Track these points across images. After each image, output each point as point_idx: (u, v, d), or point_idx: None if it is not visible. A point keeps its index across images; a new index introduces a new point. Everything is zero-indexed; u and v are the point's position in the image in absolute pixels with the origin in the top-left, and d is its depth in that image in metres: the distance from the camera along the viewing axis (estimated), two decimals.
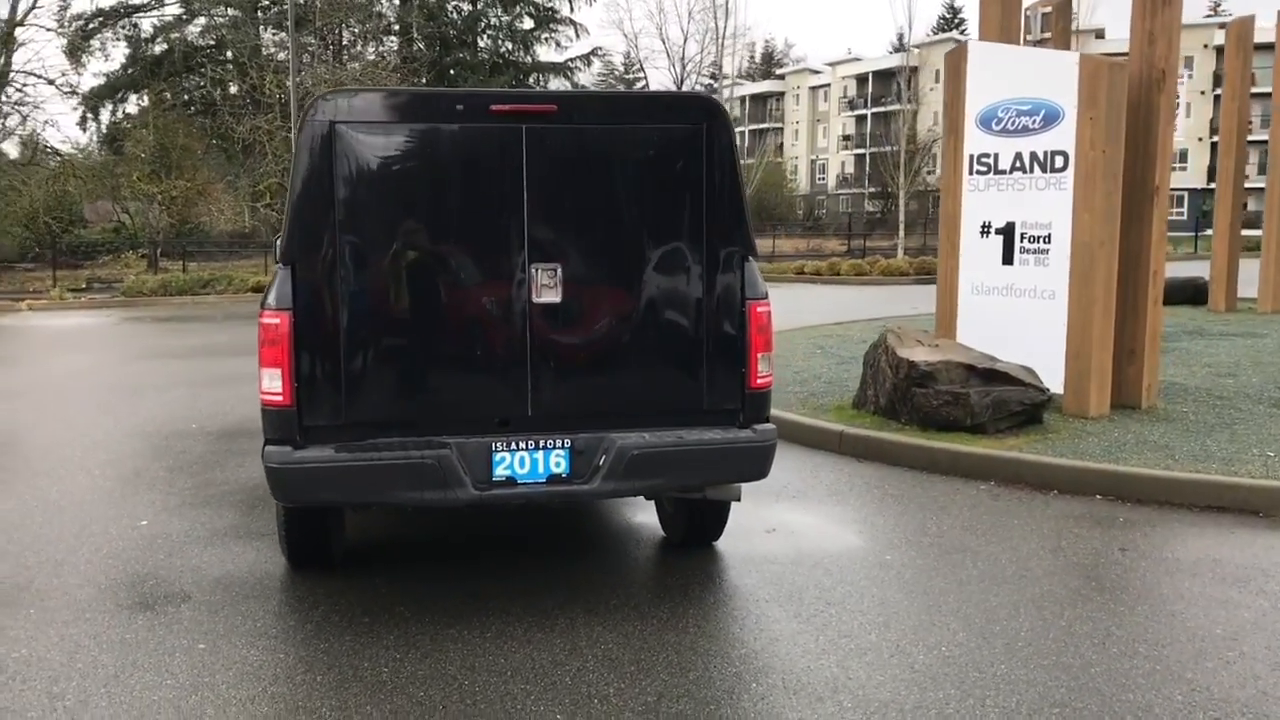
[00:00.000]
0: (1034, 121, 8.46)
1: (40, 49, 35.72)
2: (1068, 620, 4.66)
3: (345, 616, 4.75)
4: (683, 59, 31.25)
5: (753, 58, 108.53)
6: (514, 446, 4.55)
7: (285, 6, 43.29)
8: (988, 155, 8.78)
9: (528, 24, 50.71)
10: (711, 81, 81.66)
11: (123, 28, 44.49)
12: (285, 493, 4.41)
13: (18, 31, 33.59)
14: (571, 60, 52.21)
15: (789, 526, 6.09)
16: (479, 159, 4.48)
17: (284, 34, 43.21)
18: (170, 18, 43.82)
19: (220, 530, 6.04)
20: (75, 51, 43.96)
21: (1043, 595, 4.97)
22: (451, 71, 47.53)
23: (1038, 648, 4.37)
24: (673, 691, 3.99)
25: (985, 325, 8.80)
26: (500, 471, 4.54)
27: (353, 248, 4.41)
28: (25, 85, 34.39)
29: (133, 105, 44.79)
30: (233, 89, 40.37)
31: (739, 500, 5.29)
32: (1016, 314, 8.68)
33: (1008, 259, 8.73)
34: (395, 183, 4.45)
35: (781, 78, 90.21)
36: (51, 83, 35.46)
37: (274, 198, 39.29)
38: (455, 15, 49.01)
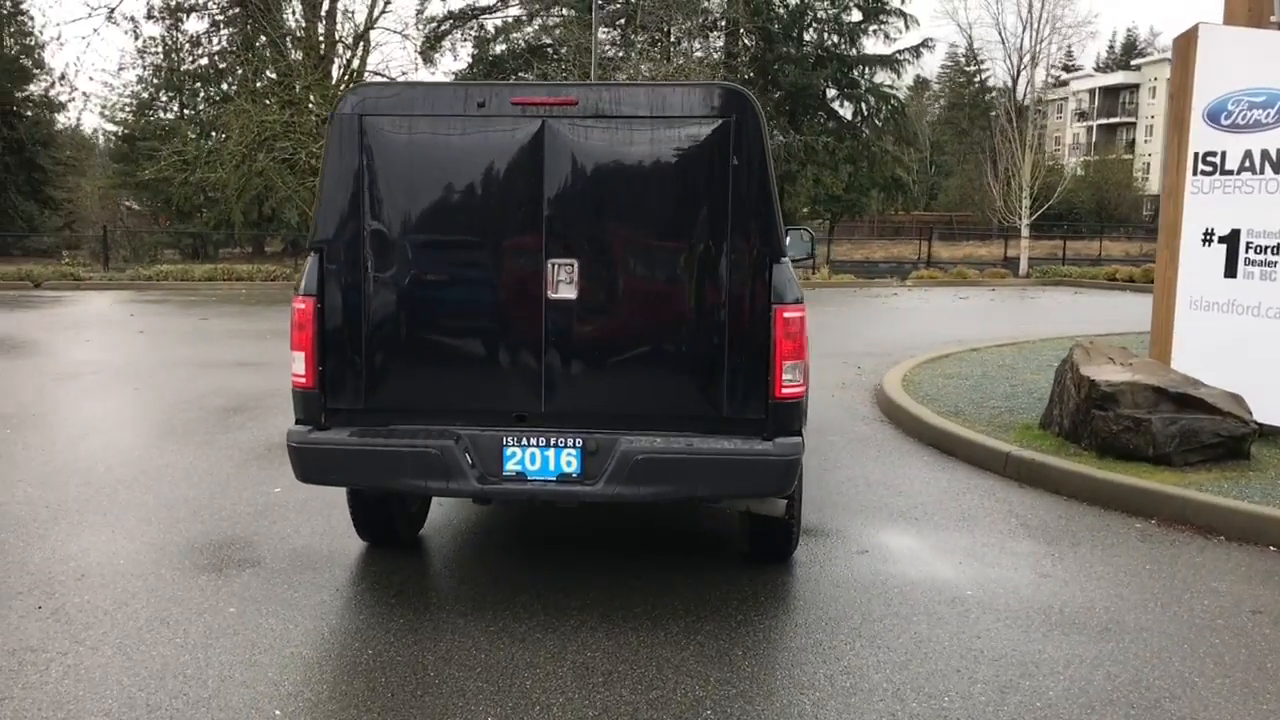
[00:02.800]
0: (1267, 115, 7.44)
1: (390, 52, 38.89)
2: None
3: (377, 593, 4.91)
4: (1020, 49, 29.71)
5: (1111, 47, 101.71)
6: (525, 442, 4.52)
7: (618, 5, 45.16)
8: (1214, 153, 7.80)
9: (855, 16, 49.89)
10: (1062, 73, 77.23)
11: (471, 29, 47.74)
12: (300, 471, 4.60)
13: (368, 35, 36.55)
14: (900, 53, 50.94)
15: (886, 549, 5.70)
16: (501, 152, 4.48)
17: (616, 32, 45.02)
18: (510, 19, 46.52)
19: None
20: (428, 52, 47.67)
21: (1128, 653, 4.38)
22: (775, 66, 47.64)
23: None
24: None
25: (1202, 345, 7.84)
26: (511, 466, 4.53)
27: (376, 238, 4.53)
28: None
29: None
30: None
31: (783, 515, 5.01)
32: (1237, 333, 7.67)
33: (1230, 271, 7.73)
34: (418, 175, 4.52)
35: (1137, 69, 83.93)
36: (395, 82, 38.26)
37: None
38: (781, 9, 48.95)
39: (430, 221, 4.55)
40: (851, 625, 4.65)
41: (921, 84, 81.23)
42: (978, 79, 73.55)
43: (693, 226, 4.46)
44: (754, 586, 5.10)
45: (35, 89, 44.35)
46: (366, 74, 37.38)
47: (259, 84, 33.48)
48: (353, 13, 38.29)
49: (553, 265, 4.49)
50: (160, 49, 36.49)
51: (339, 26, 36.45)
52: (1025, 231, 29.91)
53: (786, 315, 4.45)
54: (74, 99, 46.68)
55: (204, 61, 37.65)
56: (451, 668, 4.17)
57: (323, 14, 36.69)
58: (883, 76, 51.22)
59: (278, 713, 3.79)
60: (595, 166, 4.48)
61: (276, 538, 5.73)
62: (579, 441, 4.51)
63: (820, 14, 49.68)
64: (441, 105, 4.52)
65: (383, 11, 36.13)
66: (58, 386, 10.60)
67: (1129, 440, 6.99)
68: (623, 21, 42.86)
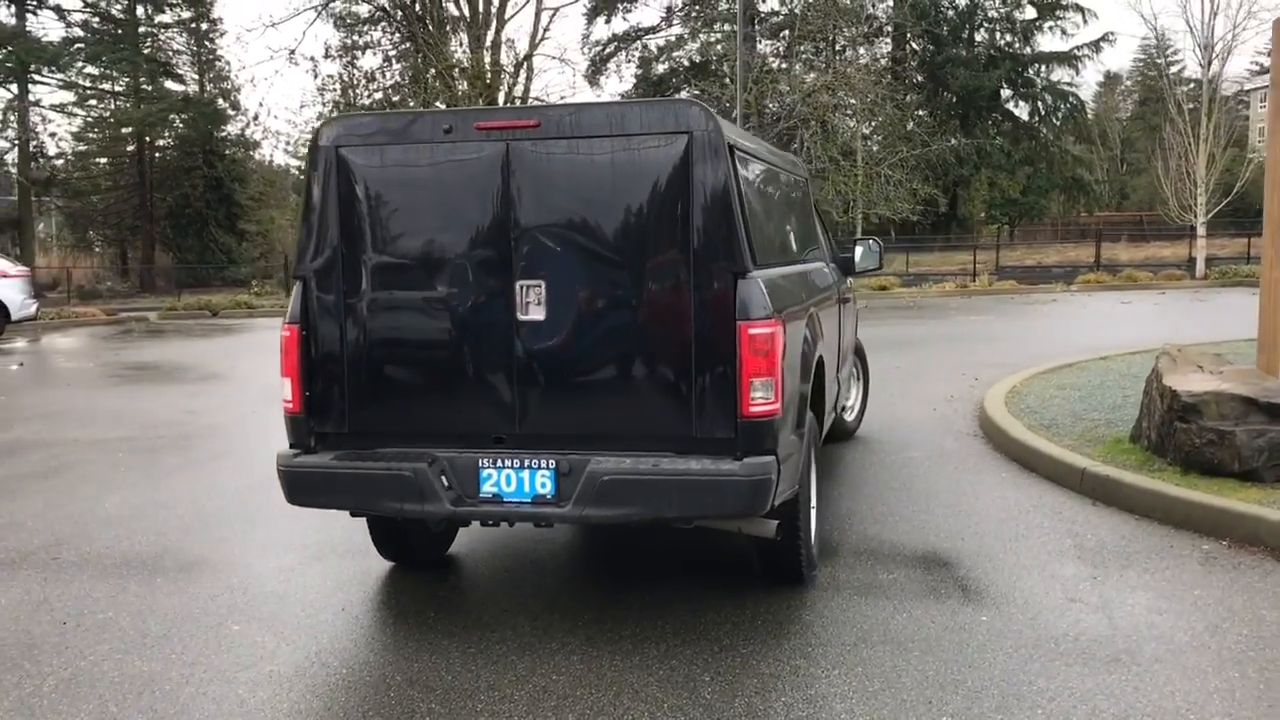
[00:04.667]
0: None
1: (550, 78, 39.86)
2: None
3: (378, 611, 5.02)
4: (1210, 39, 28.03)
5: None
6: (501, 464, 4.54)
7: (780, 17, 44.92)
8: None
9: (1029, 13, 48.27)
10: (1265, 59, 72.20)
11: (634, 49, 48.37)
12: (288, 493, 4.74)
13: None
14: (1078, 48, 48.97)
15: (907, 574, 5.45)
16: (469, 176, 4.52)
17: (780, 44, 44.77)
18: (674, 37, 46.88)
19: None
20: (594, 75, 48.59)
21: (1127, 686, 4.08)
22: (944, 69, 46.48)
23: None
24: None
25: None
26: (487, 488, 4.56)
27: (353, 265, 4.64)
28: None
29: None
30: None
31: (774, 536, 4.87)
32: None
33: None
34: (392, 202, 4.61)
35: None
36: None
37: None
38: (949, 10, 47.74)
39: (404, 247, 4.63)
40: (836, 652, 4.47)
41: (1113, 79, 77.72)
42: (1170, 72, 69.79)
43: (655, 244, 4.40)
44: (756, 610, 4.96)
45: (232, 129, 47.28)
46: (530, 100, 38.40)
47: None
48: (514, 41, 39.20)
49: (521, 287, 4.50)
50: (338, 86, 38.31)
51: (502, 56, 37.56)
52: (1201, 230, 28.17)
53: (752, 332, 4.33)
54: (266, 137, 49.62)
55: (379, 95, 39.31)
56: (414, 689, 4.21)
57: (487, 45, 37.85)
58: (1060, 74, 49.42)
59: None
60: (559, 187, 4.47)
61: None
62: (553, 463, 4.50)
63: (991, 13, 48.26)
64: (412, 133, 4.60)
65: (542, 39, 36.97)
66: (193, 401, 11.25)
67: (1212, 454, 6.50)
68: (786, 33, 42.53)
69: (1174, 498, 6.20)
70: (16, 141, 39.19)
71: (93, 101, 44.20)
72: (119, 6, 43.35)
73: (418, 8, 37.91)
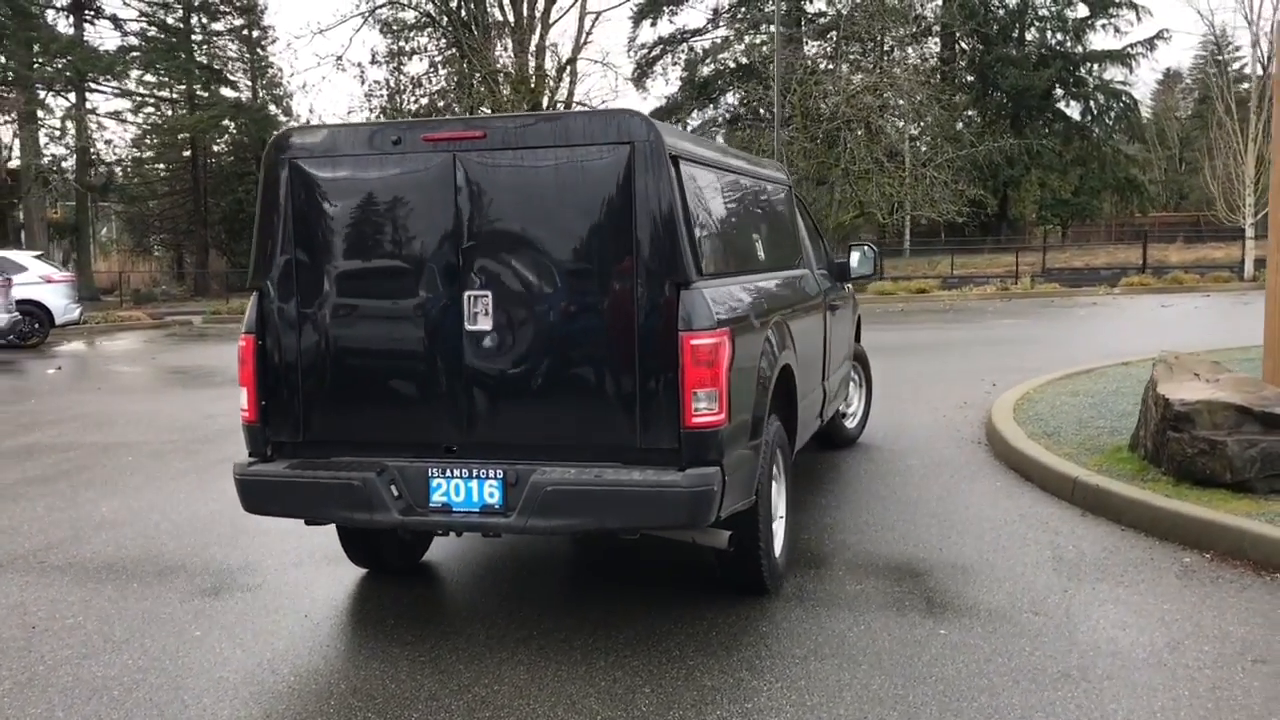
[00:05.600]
0: None
1: (594, 82, 40.08)
2: None
3: (338, 619, 5.07)
4: (1256, 33, 27.37)
5: None
6: (450, 474, 4.56)
7: (827, 18, 44.67)
8: None
9: (1081, 11, 47.52)
10: None
11: (680, 52, 48.34)
12: (243, 501, 4.80)
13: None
14: (1131, 46, 48.15)
15: (875, 587, 5.39)
16: (418, 188, 4.55)
17: (827, 45, 44.49)
18: (719, 39, 46.77)
19: None
20: (641, 78, 48.63)
21: (1064, 705, 4.01)
22: (994, 69, 45.94)
23: None
24: None
25: None
26: (437, 498, 4.58)
27: (305, 276, 4.69)
28: None
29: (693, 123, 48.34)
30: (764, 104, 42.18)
31: (726, 547, 4.85)
32: None
33: None
34: (342, 214, 4.65)
35: None
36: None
37: None
38: (999, 10, 47.16)
39: (355, 258, 4.67)
40: (783, 665, 4.43)
41: (1173, 77, 76.23)
42: (1231, 69, 68.32)
43: (600, 255, 4.40)
44: (714, 621, 4.93)
45: None
46: (574, 104, 38.54)
47: None
48: (556, 46, 39.43)
49: (469, 297, 4.52)
50: (385, 91, 38.72)
51: (546, 61, 37.74)
52: (1250, 231, 27.55)
53: (694, 343, 4.30)
54: None
55: (424, 101, 39.67)
56: (355, 697, 4.24)
57: (532, 50, 38.05)
58: (1113, 72, 48.56)
59: None
60: (505, 198, 4.48)
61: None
62: (501, 473, 4.51)
63: (1042, 12, 47.58)
64: (362, 145, 4.64)
65: (585, 42, 37.09)
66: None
67: (1204, 464, 6.36)
68: (834, 34, 42.27)
69: (1160, 509, 6.08)
70: (74, 149, 40.03)
71: (150, 109, 45.03)
72: (175, 16, 44.15)
73: (463, 13, 38.22)
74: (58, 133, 39.99)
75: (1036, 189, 46.96)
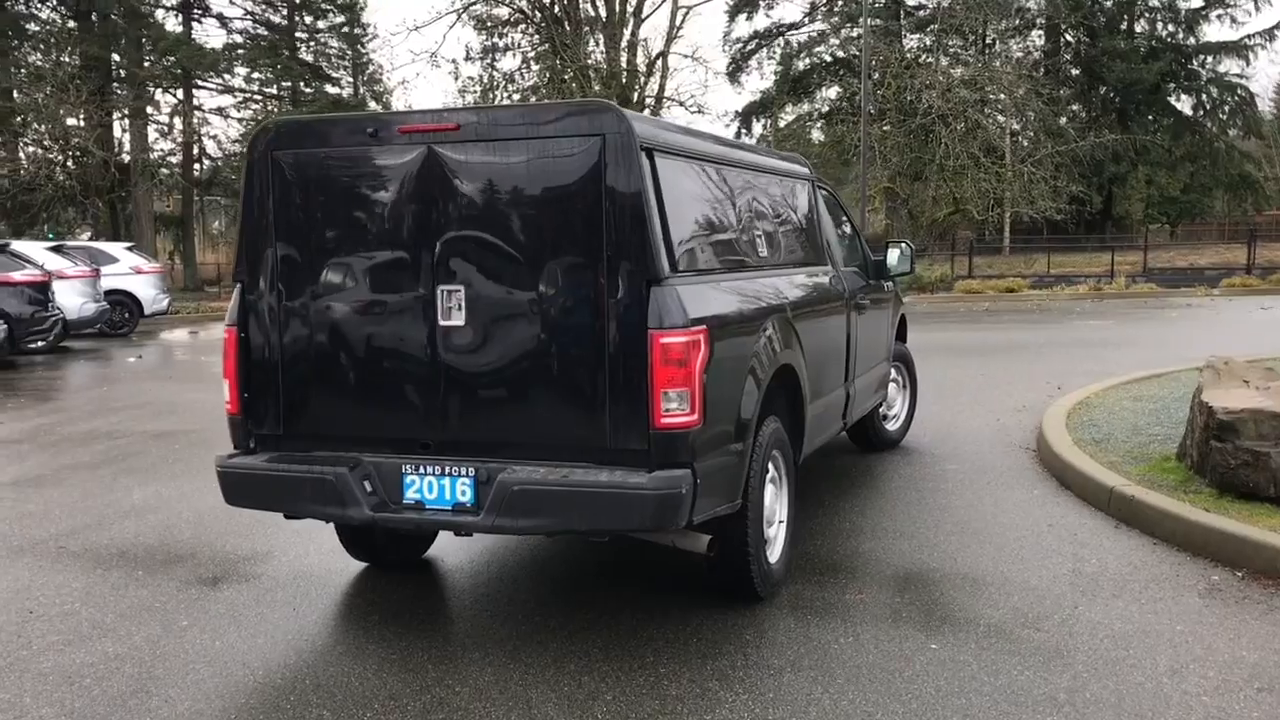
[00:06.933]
0: None
1: (683, 77, 39.78)
2: None
3: (328, 616, 5.06)
4: None
5: None
6: (423, 470, 4.50)
7: (927, 11, 43.82)
8: None
9: (1194, 2, 45.79)
10: None
11: (777, 46, 47.88)
12: (224, 493, 4.80)
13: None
14: (1249, 37, 46.29)
15: (873, 597, 5.19)
16: (395, 180, 4.50)
17: (927, 38, 43.63)
18: (815, 33, 46.21)
19: None
20: (735, 72, 48.31)
21: None
22: (1100, 61, 44.57)
23: None
24: None
25: None
26: (411, 494, 4.53)
27: (285, 269, 4.67)
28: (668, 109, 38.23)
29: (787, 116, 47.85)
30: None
31: (705, 551, 4.71)
32: None
33: None
34: (322, 207, 4.62)
35: None
36: (682, 104, 38.96)
37: (880, 203, 39.94)
38: (1106, 1, 45.71)
39: (334, 251, 4.63)
40: (756, 676, 4.28)
41: None
42: None
43: (571, 249, 4.29)
44: (699, 627, 4.79)
45: None
46: (664, 100, 38.44)
47: None
48: (646, 41, 39.33)
49: (443, 292, 4.45)
50: (478, 87, 39.05)
51: (638, 55, 37.71)
52: None
53: (664, 341, 4.17)
54: None
55: (517, 97, 39.95)
56: (316, 694, 4.20)
57: (623, 45, 38.05)
58: (1228, 64, 46.73)
59: None
60: (477, 191, 4.40)
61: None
62: (473, 471, 4.44)
63: (1152, 2, 46.02)
64: (341, 138, 4.60)
65: (675, 37, 36.95)
66: None
67: (1247, 476, 6.00)
68: (933, 27, 41.44)
69: (1193, 522, 5.75)
70: (181, 144, 41.24)
71: (255, 105, 46.18)
72: (280, 14, 45.16)
73: (556, 9, 38.36)
74: (165, 128, 41.28)
75: (1143, 186, 45.40)
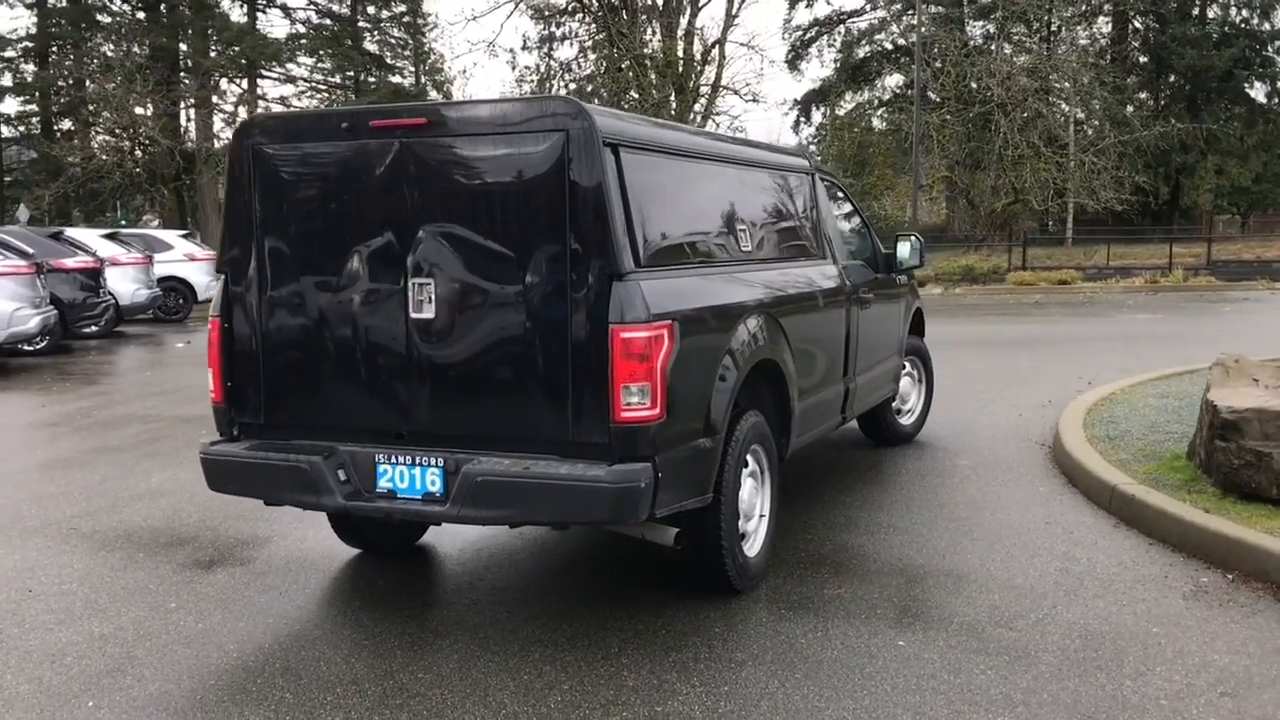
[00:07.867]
0: None
1: (739, 66, 39.62)
2: None
3: (313, 601, 5.17)
4: None
5: None
6: (395, 460, 4.58)
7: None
8: None
9: None
10: None
11: (838, 34, 47.45)
12: (207, 479, 4.93)
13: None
14: None
15: (853, 593, 5.18)
16: (368, 174, 4.57)
17: (991, 26, 42.95)
18: (875, 20, 45.73)
19: None
20: (795, 60, 47.98)
21: None
22: (1169, 48, 43.56)
23: None
24: None
25: None
26: (383, 484, 4.61)
27: (265, 261, 4.77)
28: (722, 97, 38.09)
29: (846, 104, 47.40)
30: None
31: (673, 544, 4.74)
32: None
33: None
34: (300, 199, 4.71)
35: None
36: (737, 93, 38.81)
37: (939, 191, 39.45)
38: None
39: (310, 244, 4.72)
40: (716, 669, 4.30)
41: None
42: None
43: (536, 243, 4.33)
44: (671, 619, 4.82)
45: None
46: (720, 88, 38.30)
47: (624, 106, 35.15)
48: (703, 29, 39.22)
49: (414, 285, 4.52)
50: (535, 77, 39.23)
51: (694, 45, 37.60)
52: None
53: (625, 336, 4.20)
54: None
55: (574, 86, 40.04)
56: (284, 678, 4.29)
57: (680, 34, 37.97)
58: None
59: (91, 703, 4.10)
60: (446, 185, 4.47)
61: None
62: (440, 461, 4.51)
63: None
64: (318, 132, 4.69)
65: (732, 25, 36.77)
66: None
67: (1250, 477, 5.89)
68: (997, 14, 40.78)
69: (1188, 523, 5.65)
70: None
71: (319, 94, 46.76)
72: (344, 4, 45.68)
73: None
74: (230, 117, 42.00)
75: (1213, 176, 44.29)
